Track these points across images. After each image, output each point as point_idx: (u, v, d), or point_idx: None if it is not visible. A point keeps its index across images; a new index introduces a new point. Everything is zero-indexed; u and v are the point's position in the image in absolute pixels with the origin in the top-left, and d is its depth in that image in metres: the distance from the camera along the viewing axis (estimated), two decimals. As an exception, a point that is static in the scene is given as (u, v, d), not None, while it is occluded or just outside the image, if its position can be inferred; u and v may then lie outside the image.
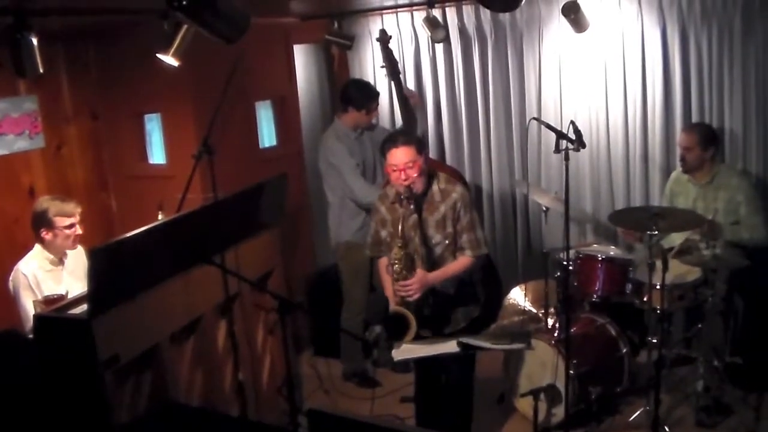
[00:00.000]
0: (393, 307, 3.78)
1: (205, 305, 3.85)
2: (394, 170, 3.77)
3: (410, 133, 4.68)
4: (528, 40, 5.71)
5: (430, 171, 3.94)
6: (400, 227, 3.73)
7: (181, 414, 3.37)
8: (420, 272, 3.77)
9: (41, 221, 4.20)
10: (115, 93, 5.28)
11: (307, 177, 6.09)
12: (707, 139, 4.80)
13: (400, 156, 3.75)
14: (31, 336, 3.70)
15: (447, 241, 3.87)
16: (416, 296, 3.74)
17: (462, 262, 3.89)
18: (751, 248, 4.64)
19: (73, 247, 4.32)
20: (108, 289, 3.11)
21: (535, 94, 5.78)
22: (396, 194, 3.90)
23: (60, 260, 4.30)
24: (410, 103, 5.30)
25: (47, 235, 4.22)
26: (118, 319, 3.19)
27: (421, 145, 3.89)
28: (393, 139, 3.88)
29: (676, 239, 4.81)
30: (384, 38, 5.34)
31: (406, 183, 3.74)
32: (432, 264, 3.87)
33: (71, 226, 4.24)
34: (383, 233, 3.98)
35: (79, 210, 4.29)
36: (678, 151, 5.20)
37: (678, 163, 5.25)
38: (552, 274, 4.95)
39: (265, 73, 5.67)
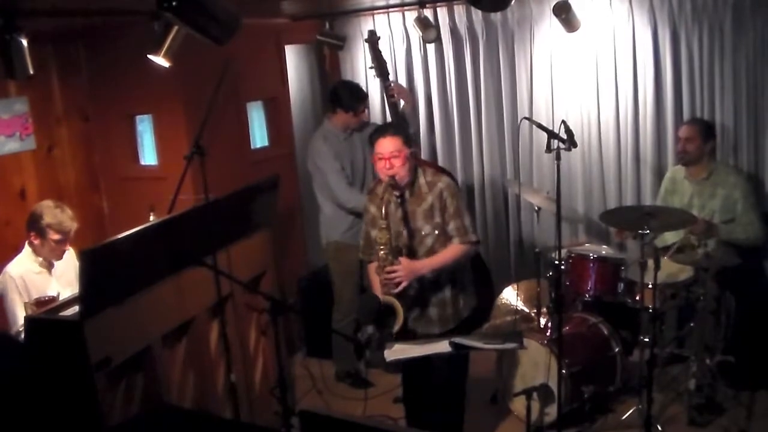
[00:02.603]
0: (382, 297, 3.78)
1: (198, 307, 3.84)
2: (380, 159, 3.82)
3: (400, 126, 4.69)
4: (519, 40, 5.72)
5: (416, 164, 3.96)
6: (383, 210, 3.76)
7: (174, 416, 3.36)
8: (405, 260, 3.79)
9: (33, 226, 4.18)
10: (106, 94, 5.27)
11: (298, 178, 6.08)
12: (707, 132, 4.88)
13: (387, 145, 3.81)
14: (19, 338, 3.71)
15: (436, 232, 3.87)
16: (404, 284, 3.75)
17: (451, 250, 3.88)
18: (743, 247, 4.66)
19: (59, 259, 4.29)
20: (99, 290, 3.10)
21: (527, 93, 5.78)
22: (384, 190, 3.93)
23: (49, 263, 4.28)
24: (400, 106, 5.30)
25: (36, 240, 4.20)
26: (110, 321, 3.18)
27: (408, 138, 3.94)
28: (381, 129, 3.99)
29: (669, 238, 4.84)
30: (372, 39, 5.34)
31: (391, 172, 3.79)
32: (422, 257, 3.88)
33: (61, 241, 4.21)
34: (373, 233, 3.98)
35: (74, 226, 4.25)
36: (671, 148, 5.30)
37: (671, 163, 5.32)
38: (544, 273, 4.96)
39: (257, 74, 5.67)
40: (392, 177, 3.80)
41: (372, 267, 4.02)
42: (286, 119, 6.05)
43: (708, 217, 4.69)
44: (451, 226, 3.88)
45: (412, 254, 3.87)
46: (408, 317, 3.82)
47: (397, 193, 3.86)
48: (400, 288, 3.76)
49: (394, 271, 3.74)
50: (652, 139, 5.38)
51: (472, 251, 3.98)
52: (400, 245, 3.85)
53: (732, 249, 4.59)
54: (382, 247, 3.77)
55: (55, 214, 4.18)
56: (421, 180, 3.91)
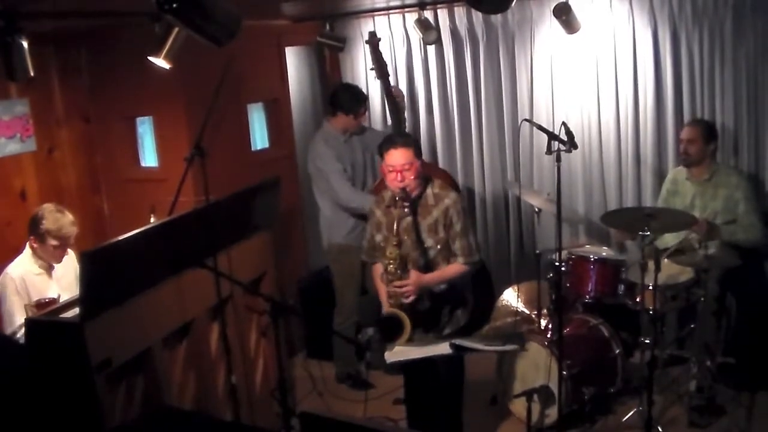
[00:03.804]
0: (387, 308, 3.77)
1: (198, 308, 3.84)
2: (391, 171, 3.78)
3: (409, 135, 4.67)
4: (520, 42, 5.72)
5: (426, 175, 3.94)
6: (395, 227, 3.73)
7: (174, 418, 3.36)
8: (414, 273, 3.78)
9: (34, 229, 4.17)
10: (107, 96, 5.27)
11: (299, 179, 6.09)
12: (709, 134, 4.87)
13: (398, 157, 3.76)
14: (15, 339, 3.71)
15: (439, 246, 3.87)
16: (412, 297, 3.74)
17: (455, 268, 3.90)
18: (744, 248, 4.66)
19: (58, 262, 4.29)
20: (100, 292, 3.11)
21: (527, 95, 5.78)
22: (391, 197, 3.90)
23: (49, 265, 4.28)
24: (399, 106, 5.30)
25: (35, 244, 4.19)
26: (111, 322, 3.19)
27: (419, 149, 3.91)
28: (392, 140, 3.90)
29: (670, 240, 4.84)
30: (373, 41, 5.35)
31: (402, 184, 3.75)
32: (424, 268, 3.88)
33: (60, 246, 4.20)
34: (378, 237, 3.98)
35: (74, 232, 4.24)
36: (672, 150, 5.32)
37: (671, 165, 5.32)
38: (545, 275, 4.96)
39: (257, 76, 5.67)
40: (403, 189, 3.76)
41: (377, 270, 4.02)
42: (286, 121, 6.05)
43: (710, 218, 4.69)
44: (457, 245, 3.88)
45: (418, 266, 3.86)
46: (412, 330, 3.80)
47: (406, 203, 3.82)
48: (410, 300, 3.75)
49: (403, 285, 3.74)
50: (653, 140, 5.38)
51: (474, 270, 3.99)
52: (404, 254, 3.83)
53: (732, 250, 4.59)
54: (391, 261, 3.76)
55: (56, 218, 4.17)
56: (429, 191, 3.90)
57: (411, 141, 3.94)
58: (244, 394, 4.15)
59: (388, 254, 3.77)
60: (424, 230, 3.87)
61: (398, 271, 3.75)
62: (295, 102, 6.28)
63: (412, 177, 3.77)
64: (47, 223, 4.14)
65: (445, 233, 3.87)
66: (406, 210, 3.82)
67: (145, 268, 3.41)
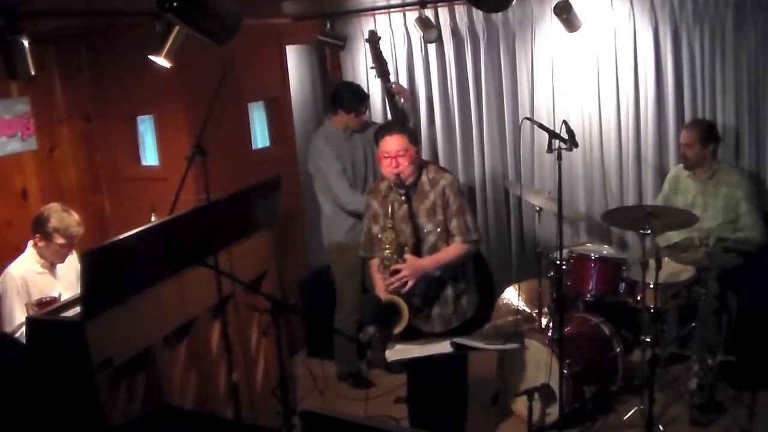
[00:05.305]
0: (384, 296, 3.76)
1: (199, 307, 3.85)
2: (386, 157, 3.78)
3: (404, 124, 4.68)
4: (520, 40, 5.72)
5: (421, 163, 3.94)
6: (389, 210, 3.75)
7: (175, 416, 3.37)
8: (411, 257, 3.77)
9: (39, 228, 4.17)
10: (107, 95, 5.27)
11: (300, 178, 6.08)
12: (707, 136, 4.84)
13: (393, 144, 3.77)
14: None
15: (438, 229, 3.85)
16: (410, 284, 3.73)
17: (453, 248, 3.86)
18: (745, 247, 4.65)
19: (61, 262, 4.29)
20: (101, 291, 3.11)
21: (528, 93, 5.78)
22: (387, 188, 3.91)
23: (51, 264, 4.28)
24: (400, 103, 5.29)
25: (40, 243, 4.19)
26: (112, 321, 3.19)
27: (414, 136, 3.91)
28: (387, 127, 3.94)
29: (672, 237, 4.84)
30: (373, 39, 5.34)
31: (397, 170, 3.75)
32: (424, 255, 3.87)
33: (66, 245, 4.21)
34: (375, 229, 3.96)
35: (81, 232, 4.24)
36: (672, 148, 5.32)
37: (672, 163, 5.32)
38: (545, 273, 4.96)
39: (258, 74, 5.66)
40: (398, 176, 3.76)
41: (374, 264, 4.01)
42: (287, 119, 6.04)
43: (713, 217, 4.69)
44: (454, 225, 3.86)
45: (416, 252, 3.85)
46: (412, 316, 3.80)
47: (401, 191, 3.83)
48: (408, 287, 3.74)
49: (399, 270, 3.73)
50: (654, 138, 5.38)
51: (473, 250, 3.97)
52: (403, 243, 3.83)
53: (733, 249, 4.59)
54: (387, 246, 3.75)
55: (62, 218, 4.17)
56: (424, 178, 3.88)
57: (406, 128, 3.96)
58: (245, 393, 4.15)
59: (384, 239, 3.76)
60: (422, 215, 3.85)
61: (394, 256, 3.74)
62: (296, 101, 6.28)
63: (407, 163, 3.76)
64: (54, 222, 4.14)
65: (443, 215, 3.85)
66: (402, 198, 3.82)
67: (146, 267, 3.41)
